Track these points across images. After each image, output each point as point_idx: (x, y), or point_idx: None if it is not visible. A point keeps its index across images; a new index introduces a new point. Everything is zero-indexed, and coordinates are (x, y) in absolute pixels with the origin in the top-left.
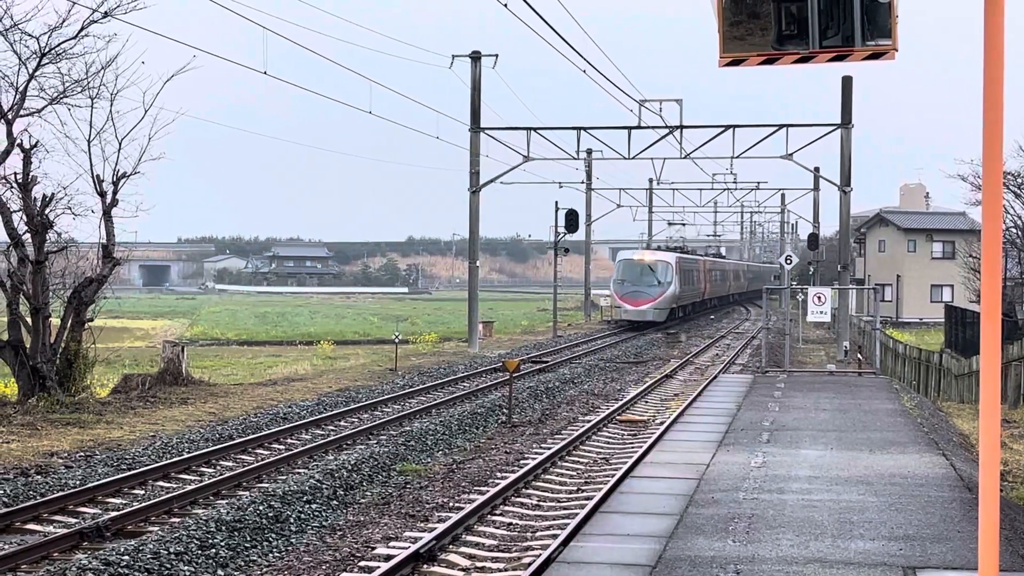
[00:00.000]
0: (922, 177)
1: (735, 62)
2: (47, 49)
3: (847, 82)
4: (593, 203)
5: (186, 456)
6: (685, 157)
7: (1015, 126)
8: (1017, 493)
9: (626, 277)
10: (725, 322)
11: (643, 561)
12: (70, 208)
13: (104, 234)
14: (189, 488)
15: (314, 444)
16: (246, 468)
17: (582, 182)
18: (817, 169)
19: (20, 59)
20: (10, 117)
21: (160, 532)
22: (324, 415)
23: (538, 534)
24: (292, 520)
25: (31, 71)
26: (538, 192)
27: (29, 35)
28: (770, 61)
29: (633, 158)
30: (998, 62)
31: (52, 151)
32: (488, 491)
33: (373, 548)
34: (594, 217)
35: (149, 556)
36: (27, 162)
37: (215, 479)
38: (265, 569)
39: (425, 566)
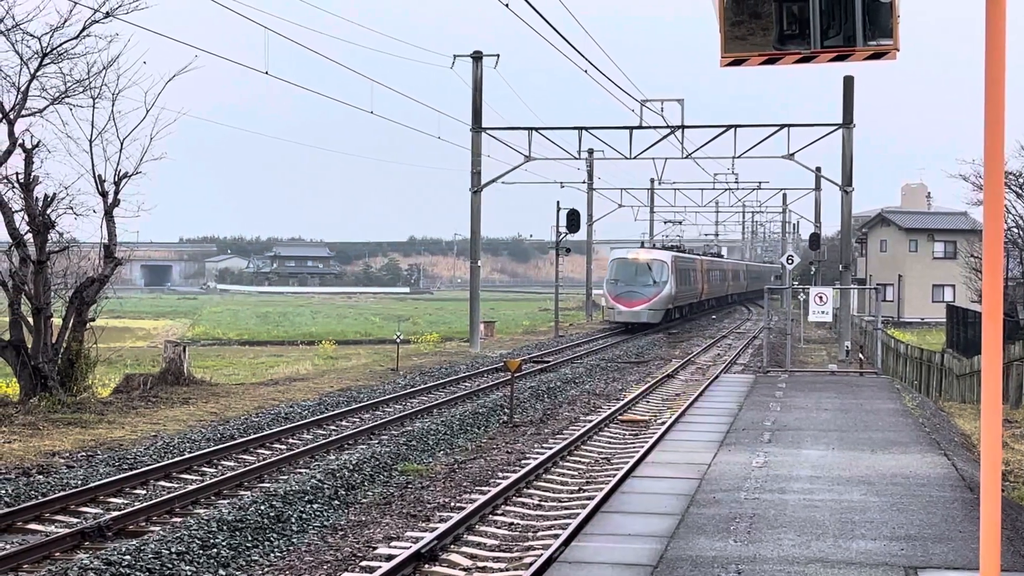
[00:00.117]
0: (923, 177)
1: (736, 62)
2: (49, 49)
3: (848, 82)
4: (595, 203)
5: (188, 456)
6: (686, 157)
7: (1016, 126)
8: (1019, 493)
9: (620, 277)
10: (726, 322)
11: (644, 561)
12: (72, 208)
13: (106, 234)
14: (191, 488)
15: (315, 444)
16: (247, 468)
17: (583, 182)
18: (819, 169)
19: (22, 59)
20: (12, 117)
21: (162, 532)
22: (325, 415)
23: (539, 534)
24: (294, 520)
25: (33, 71)
26: (539, 192)
27: (31, 35)
28: (771, 61)
29: (634, 158)
30: (999, 62)
31: (54, 151)
32: (489, 491)
33: (374, 548)
34: (596, 217)
35: (150, 556)
36: (29, 162)
37: (217, 479)
38: (267, 569)
39: (426, 566)
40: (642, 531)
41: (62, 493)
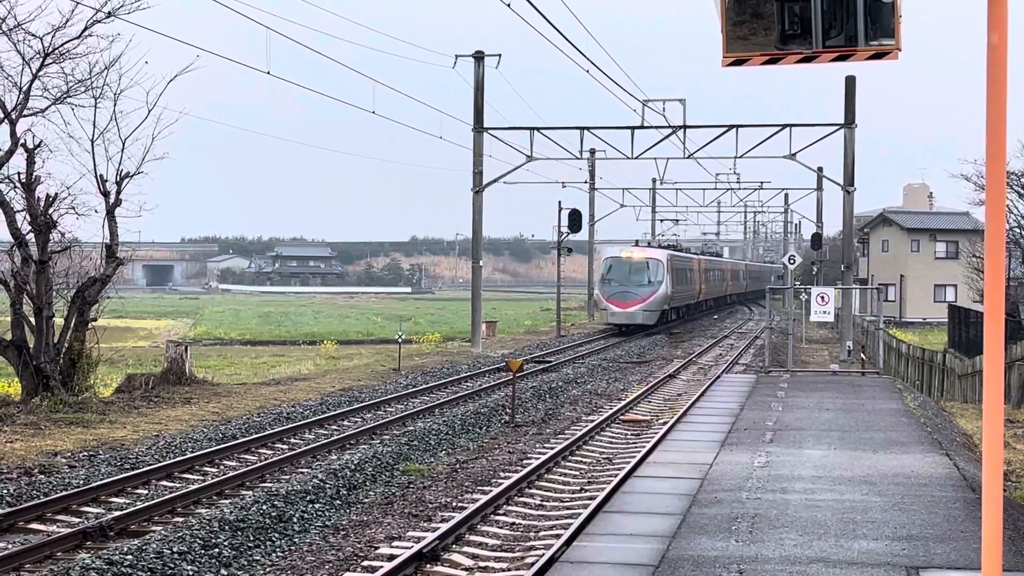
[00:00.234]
0: (925, 177)
1: (738, 62)
2: (51, 49)
3: (850, 82)
4: (596, 203)
5: (189, 456)
6: (688, 157)
7: (1018, 125)
8: (1020, 493)
9: (613, 276)
10: (728, 322)
11: (646, 561)
12: (73, 208)
13: (107, 234)
14: (192, 488)
15: (317, 444)
16: (249, 468)
17: (585, 182)
18: (820, 169)
19: (24, 59)
20: (14, 117)
21: (163, 532)
22: (327, 415)
23: (541, 534)
24: (295, 520)
25: (35, 71)
26: (541, 192)
27: (33, 35)
28: (773, 61)
29: (636, 158)
30: (1001, 62)
31: (56, 151)
32: (491, 491)
33: (376, 548)
34: (597, 217)
35: (152, 556)
36: (31, 162)
37: (218, 479)
38: (268, 569)
39: (428, 566)
40: (644, 531)
41: (64, 493)
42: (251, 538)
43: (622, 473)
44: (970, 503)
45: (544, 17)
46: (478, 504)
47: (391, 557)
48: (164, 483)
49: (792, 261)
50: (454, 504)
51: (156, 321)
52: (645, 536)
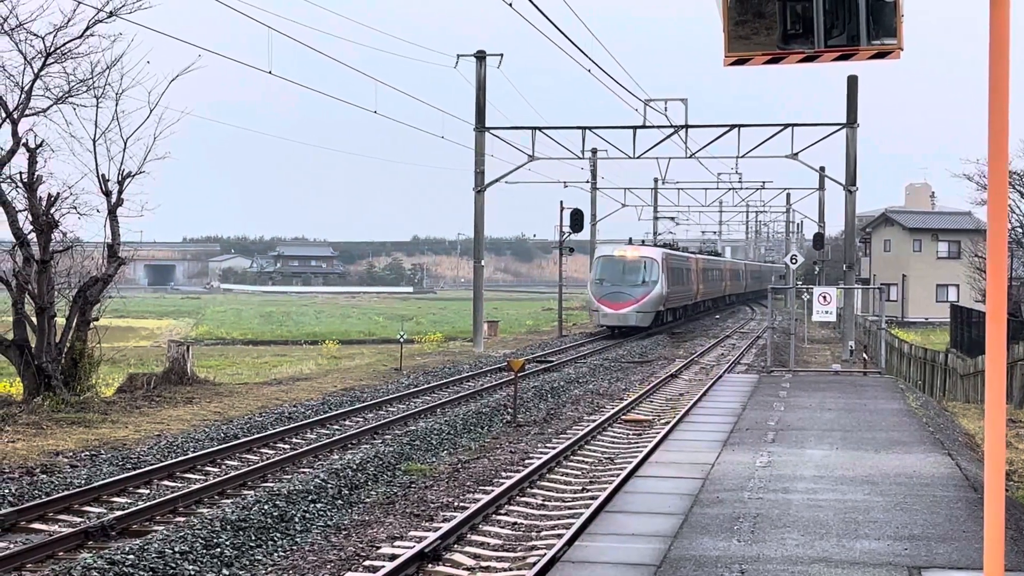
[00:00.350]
0: (927, 177)
1: (740, 61)
2: (52, 49)
3: (853, 81)
4: (598, 203)
5: (191, 455)
6: (690, 157)
7: (1020, 125)
8: (1022, 493)
9: (605, 276)
10: (730, 322)
11: (648, 561)
12: (75, 207)
13: (109, 233)
14: (194, 487)
15: (319, 443)
16: (251, 467)
17: (587, 181)
18: (822, 169)
19: (26, 59)
20: (16, 116)
21: (165, 531)
22: (329, 414)
23: (543, 534)
24: (297, 519)
25: (36, 71)
26: (543, 192)
27: (34, 35)
28: (775, 60)
29: (638, 158)
30: (1003, 62)
31: (57, 150)
32: (493, 491)
33: (378, 547)
34: (599, 217)
35: (154, 555)
36: (32, 161)
37: (220, 478)
38: (270, 568)
39: (430, 566)
40: (646, 531)
41: (66, 492)
42: (253, 538)
43: (624, 473)
44: (972, 503)
45: (546, 16)
46: (480, 504)
47: (393, 557)
48: (166, 483)
49: (794, 261)
50: (456, 504)
51: (158, 321)
52: (647, 536)
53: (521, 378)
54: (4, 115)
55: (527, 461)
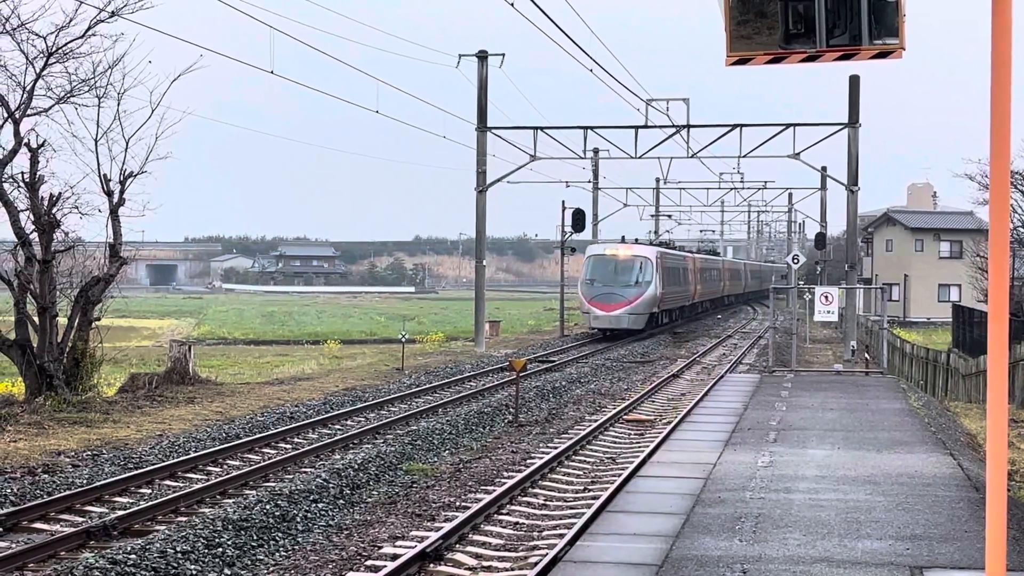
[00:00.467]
0: (929, 176)
1: (742, 61)
2: (54, 48)
3: (855, 81)
4: (600, 202)
5: (193, 455)
6: (692, 156)
7: (1022, 126)
8: None
9: (596, 276)
10: (732, 322)
11: (650, 560)
12: (77, 207)
13: (111, 233)
14: (196, 487)
15: (321, 443)
16: (253, 467)
17: (589, 181)
18: (824, 168)
19: (27, 58)
20: (17, 116)
21: (167, 531)
22: (331, 414)
23: (545, 533)
24: (299, 519)
25: (38, 70)
26: (545, 191)
27: (36, 34)
28: (777, 60)
29: (640, 157)
30: (1005, 63)
31: (59, 150)
32: (495, 490)
33: (380, 547)
34: (601, 216)
35: (156, 555)
36: (34, 161)
37: (222, 478)
38: (272, 568)
39: (432, 565)
40: (647, 531)
41: (67, 492)
42: (255, 537)
43: (626, 473)
44: (974, 503)
45: (548, 16)
46: (481, 504)
47: (394, 557)
48: (168, 482)
49: (796, 260)
50: (457, 504)
51: (159, 321)
52: (649, 536)
53: (523, 378)
54: (6, 115)
55: (529, 461)
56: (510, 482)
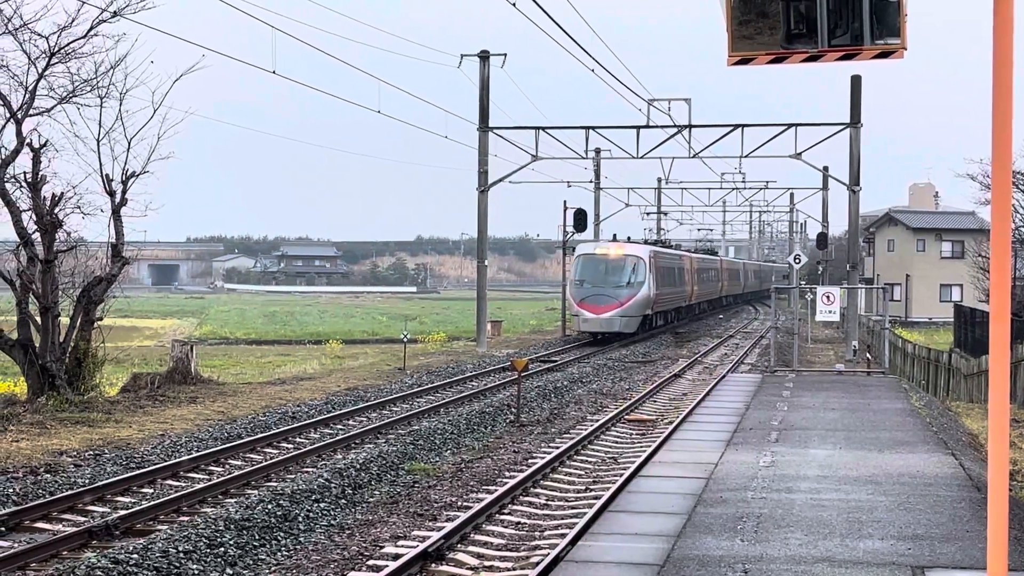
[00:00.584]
0: (931, 176)
1: (744, 61)
2: (56, 48)
3: (856, 81)
4: (602, 202)
5: (195, 455)
6: (694, 156)
7: None
8: None
9: (586, 277)
10: (733, 322)
11: (651, 560)
12: (79, 207)
13: (113, 233)
14: (198, 487)
15: (323, 443)
16: (255, 467)
17: (590, 181)
18: (826, 168)
19: (30, 58)
20: (20, 116)
21: (169, 531)
22: (333, 414)
23: (546, 533)
24: (301, 519)
25: (40, 70)
26: (546, 191)
27: (39, 34)
28: (779, 60)
29: (642, 157)
30: (1007, 63)
31: (61, 150)
32: (496, 490)
33: (382, 547)
34: (603, 216)
35: (158, 555)
36: (36, 161)
37: (224, 478)
38: (274, 568)
39: (434, 565)
40: (649, 530)
41: (69, 492)
42: (256, 537)
43: (627, 473)
44: (975, 503)
45: (549, 16)
46: (483, 503)
47: (396, 556)
48: (170, 482)
49: (798, 260)
50: (459, 503)
51: (161, 320)
52: (650, 536)
53: (524, 378)
54: (8, 115)
55: (530, 461)
56: (512, 482)
